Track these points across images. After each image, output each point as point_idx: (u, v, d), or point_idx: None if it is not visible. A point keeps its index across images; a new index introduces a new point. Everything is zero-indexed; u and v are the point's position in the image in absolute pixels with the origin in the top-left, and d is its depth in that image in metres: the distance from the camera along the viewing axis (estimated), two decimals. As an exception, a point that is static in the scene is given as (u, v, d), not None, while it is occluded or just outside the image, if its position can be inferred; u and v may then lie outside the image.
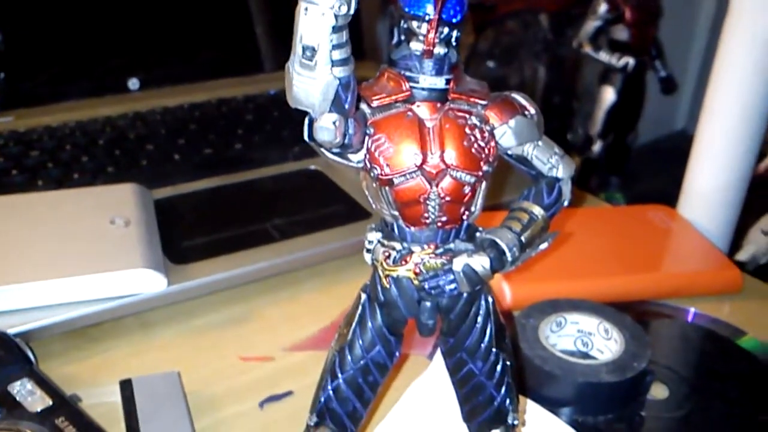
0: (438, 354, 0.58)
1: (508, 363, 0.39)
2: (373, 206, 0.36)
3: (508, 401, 0.39)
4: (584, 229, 0.75)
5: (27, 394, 0.50)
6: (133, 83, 1.00)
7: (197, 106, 0.96)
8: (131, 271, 0.60)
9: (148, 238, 0.64)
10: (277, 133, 0.90)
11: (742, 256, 0.95)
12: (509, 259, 0.35)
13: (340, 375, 0.38)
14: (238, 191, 0.78)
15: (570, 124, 1.63)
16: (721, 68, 0.75)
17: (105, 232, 0.64)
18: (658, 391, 0.58)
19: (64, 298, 0.59)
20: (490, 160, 0.35)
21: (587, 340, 0.61)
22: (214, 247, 0.67)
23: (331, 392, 0.38)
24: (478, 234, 0.36)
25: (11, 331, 0.56)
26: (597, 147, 1.46)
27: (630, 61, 1.37)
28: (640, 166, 1.66)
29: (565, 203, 0.37)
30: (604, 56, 1.38)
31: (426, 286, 0.35)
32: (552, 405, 0.55)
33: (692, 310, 0.68)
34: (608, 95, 1.43)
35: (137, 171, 0.80)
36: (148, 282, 0.60)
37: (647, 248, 0.73)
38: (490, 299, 0.37)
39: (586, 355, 0.61)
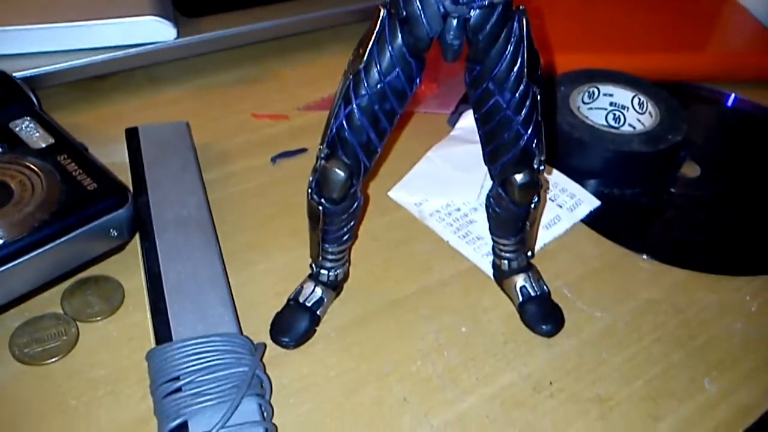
0: (462, 118, 0.55)
1: (539, 97, 0.35)
2: None
3: (535, 142, 0.36)
4: (628, 5, 0.69)
5: (29, 132, 0.48)
6: None
7: None
8: (138, 19, 0.56)
9: (157, -12, 0.60)
10: None
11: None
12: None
13: (354, 100, 0.34)
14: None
15: None
16: None
17: (111, -20, 0.60)
18: (690, 170, 0.56)
19: (69, 45, 0.56)
20: None
21: (620, 114, 0.57)
22: (228, 2, 0.62)
23: (343, 120, 0.35)
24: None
25: (15, 74, 0.53)
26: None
27: None
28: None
29: None
30: None
31: (453, -8, 0.31)
32: (579, 175, 0.53)
33: (733, 95, 0.64)
34: None
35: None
36: (156, 31, 0.57)
37: (693, 27, 0.68)
38: (524, 22, 0.33)
39: (617, 130, 0.57)
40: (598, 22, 0.65)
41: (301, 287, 0.42)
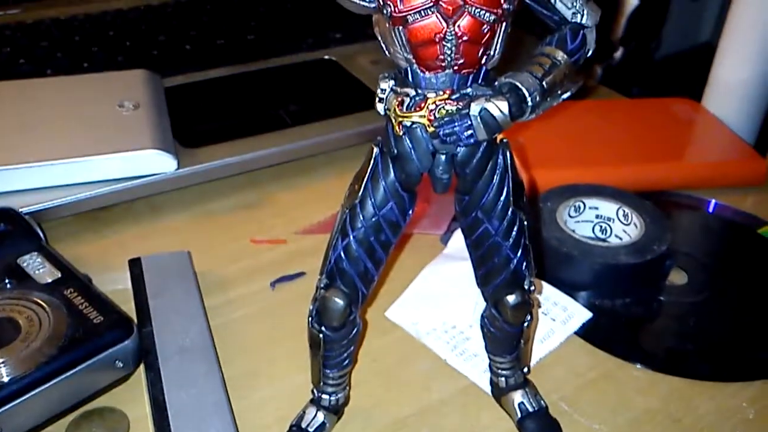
0: (454, 236, 0.57)
1: (525, 223, 0.37)
2: (387, 53, 0.34)
3: (524, 264, 0.38)
4: (606, 119, 0.73)
5: (36, 267, 0.49)
6: (143, -23, 0.97)
7: (209, -2, 0.94)
8: (140, 152, 0.59)
9: (158, 121, 0.63)
10: (290, 24, 0.88)
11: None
12: (530, 104, 0.33)
13: (351, 233, 0.37)
14: (251, 80, 0.76)
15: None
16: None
17: (114, 115, 0.63)
18: (677, 277, 0.57)
19: (73, 179, 0.58)
20: (511, -3, 0.33)
21: (606, 226, 0.59)
22: (226, 132, 0.66)
23: (341, 252, 0.37)
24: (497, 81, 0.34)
25: (22, 209, 0.55)
26: (619, 54, 1.41)
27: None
28: (663, 79, 1.61)
29: (590, 52, 0.35)
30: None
31: (441, 133, 0.33)
32: (569, 288, 0.54)
33: (713, 201, 0.66)
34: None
35: (148, 61, 0.78)
36: (158, 163, 0.59)
37: (670, 139, 0.71)
38: (508, 155, 0.36)
39: (604, 242, 0.59)
40: (579, 138, 0.68)
41: (303, 412, 0.43)
